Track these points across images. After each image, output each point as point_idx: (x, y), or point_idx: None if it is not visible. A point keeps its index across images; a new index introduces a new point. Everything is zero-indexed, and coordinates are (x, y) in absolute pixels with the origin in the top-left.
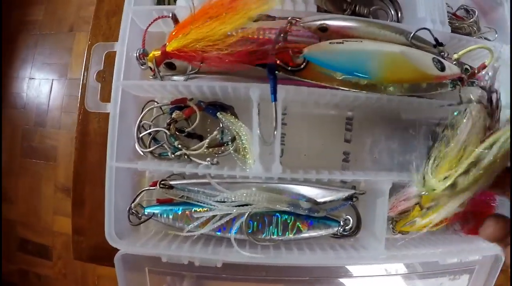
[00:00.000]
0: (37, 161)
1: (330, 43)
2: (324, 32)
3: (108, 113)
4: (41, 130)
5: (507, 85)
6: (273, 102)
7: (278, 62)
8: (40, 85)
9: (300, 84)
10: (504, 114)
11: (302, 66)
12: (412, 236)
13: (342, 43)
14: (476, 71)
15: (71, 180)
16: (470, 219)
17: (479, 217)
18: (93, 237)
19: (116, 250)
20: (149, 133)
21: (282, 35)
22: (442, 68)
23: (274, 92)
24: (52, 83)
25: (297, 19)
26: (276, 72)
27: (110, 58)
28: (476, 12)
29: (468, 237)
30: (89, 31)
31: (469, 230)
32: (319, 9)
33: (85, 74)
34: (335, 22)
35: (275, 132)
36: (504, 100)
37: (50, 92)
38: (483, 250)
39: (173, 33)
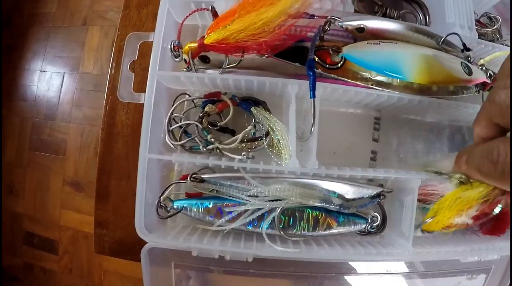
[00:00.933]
0: (46, 154)
1: (367, 43)
2: (360, 33)
3: (137, 104)
4: (51, 123)
5: None
6: (312, 99)
7: (316, 59)
8: (52, 79)
9: (336, 82)
10: None
11: (339, 64)
12: (434, 234)
13: (379, 43)
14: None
15: (80, 174)
16: (489, 219)
17: (498, 217)
18: (117, 231)
19: (140, 243)
20: (180, 126)
21: (321, 33)
22: (470, 73)
23: (313, 89)
24: (63, 77)
25: (336, 18)
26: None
27: (141, 49)
28: (499, 19)
29: (487, 237)
30: (119, 22)
31: (487, 230)
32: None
33: (113, 65)
34: (373, 23)
35: (313, 128)
36: None
37: (61, 85)
38: (501, 249)
39: (213, 25)
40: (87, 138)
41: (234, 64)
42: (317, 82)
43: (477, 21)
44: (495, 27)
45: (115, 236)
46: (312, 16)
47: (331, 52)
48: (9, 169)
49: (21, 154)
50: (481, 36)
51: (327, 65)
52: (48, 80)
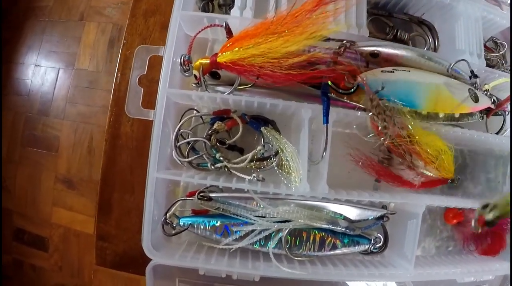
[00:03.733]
0: (38, 150)
1: (382, 71)
2: (374, 58)
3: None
4: (45, 119)
5: None
6: (325, 125)
7: (329, 83)
8: (46, 74)
9: (347, 106)
10: None
11: (352, 89)
12: (432, 255)
13: (393, 71)
14: (503, 103)
15: (73, 172)
16: (485, 240)
17: (493, 238)
18: (120, 244)
19: (143, 257)
20: (188, 143)
21: (336, 57)
22: (476, 100)
23: (326, 114)
24: (58, 72)
25: (352, 43)
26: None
27: (150, 62)
28: (506, 45)
29: (482, 258)
30: (125, 30)
31: (483, 251)
32: None
33: (119, 75)
34: (387, 50)
35: (324, 154)
36: None
37: (56, 81)
38: (496, 270)
39: (228, 45)
40: (80, 136)
41: (248, 86)
42: (330, 108)
43: (483, 46)
44: (500, 53)
45: (118, 250)
46: (328, 40)
47: (346, 79)
48: (0, 164)
49: (13, 149)
50: (486, 61)
51: (340, 90)
52: (42, 75)
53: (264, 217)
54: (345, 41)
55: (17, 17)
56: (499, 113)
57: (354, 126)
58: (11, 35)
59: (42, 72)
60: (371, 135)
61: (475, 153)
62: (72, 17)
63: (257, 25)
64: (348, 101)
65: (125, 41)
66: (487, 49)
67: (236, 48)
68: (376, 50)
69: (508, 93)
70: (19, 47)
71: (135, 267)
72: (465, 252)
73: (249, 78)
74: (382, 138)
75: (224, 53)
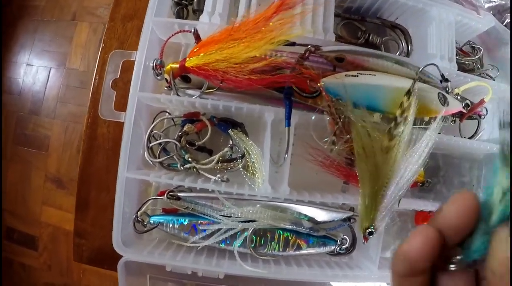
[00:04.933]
0: (29, 149)
1: (346, 75)
2: (340, 62)
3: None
4: (36, 118)
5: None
6: (286, 127)
7: (293, 87)
8: (38, 73)
9: (312, 109)
10: None
11: (316, 93)
12: None
13: (357, 76)
14: (475, 107)
15: (63, 171)
16: None
17: None
18: (95, 241)
19: (118, 254)
20: (159, 144)
21: (300, 61)
22: (446, 103)
23: (288, 117)
24: (50, 72)
25: (316, 47)
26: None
27: (125, 66)
28: (482, 50)
29: None
30: (103, 33)
31: None
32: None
33: (97, 78)
34: (353, 54)
35: (286, 156)
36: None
37: (47, 80)
38: None
39: (195, 50)
40: (70, 135)
41: (213, 90)
42: (293, 110)
43: (460, 50)
44: (476, 57)
45: (93, 246)
46: (293, 44)
47: (308, 84)
48: None
49: (4, 148)
50: (461, 65)
51: (304, 94)
52: (34, 74)
53: (230, 216)
54: (309, 46)
55: (11, 16)
56: (474, 117)
57: (311, 129)
58: (4, 34)
59: (34, 71)
60: (326, 139)
61: (448, 156)
62: (64, 16)
63: (222, 31)
64: (311, 104)
65: (103, 45)
66: (463, 53)
67: (202, 54)
68: (341, 54)
69: (479, 96)
70: (12, 46)
71: (109, 263)
72: None
73: (214, 82)
74: (339, 143)
75: (191, 58)
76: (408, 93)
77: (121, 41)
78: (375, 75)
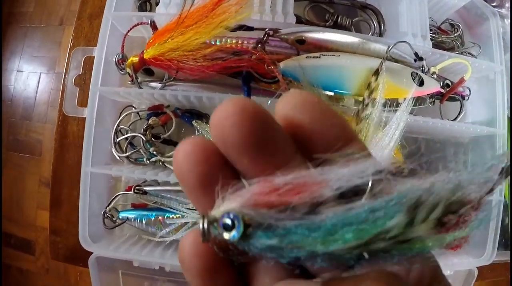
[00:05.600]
0: (22, 155)
1: (307, 57)
2: (302, 45)
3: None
4: (27, 124)
5: (490, 101)
6: None
7: (252, 72)
8: (28, 79)
9: (275, 95)
10: None
11: (276, 78)
12: None
13: (319, 57)
14: (454, 86)
15: None
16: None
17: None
18: (70, 238)
19: (92, 252)
20: (126, 138)
21: (259, 46)
22: (421, 83)
23: None
24: (40, 77)
25: (274, 30)
26: (252, 83)
27: (90, 62)
28: (461, 26)
29: (441, 252)
30: (72, 32)
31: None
32: (300, 20)
33: (66, 76)
34: (313, 35)
35: None
36: (485, 116)
37: (37, 85)
38: (454, 265)
39: (151, 41)
40: None
41: (171, 80)
42: (253, 96)
43: (438, 28)
44: (456, 34)
45: (69, 244)
46: (251, 28)
47: (266, 67)
48: None
49: None
50: (441, 44)
51: (266, 79)
52: (24, 80)
53: (195, 209)
54: (267, 29)
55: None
56: (457, 99)
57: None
58: None
59: (24, 77)
60: None
61: (431, 141)
62: (52, 22)
63: (174, 19)
64: (274, 90)
65: (71, 43)
66: (442, 32)
67: (156, 44)
68: (301, 36)
69: (461, 76)
70: (1, 54)
71: (84, 260)
72: None
73: (171, 72)
74: None
75: (148, 50)
76: (376, 73)
77: (88, 39)
78: (339, 55)
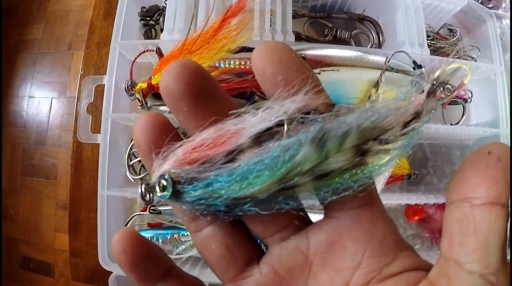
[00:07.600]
0: (38, 179)
1: None
2: None
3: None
4: (41, 148)
5: (492, 103)
6: None
7: (255, 92)
8: (40, 104)
9: None
10: None
11: None
12: None
13: (319, 73)
14: (455, 91)
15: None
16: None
17: None
18: (90, 259)
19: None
20: (139, 161)
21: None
22: (421, 91)
23: None
24: (51, 102)
25: None
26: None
27: (101, 89)
28: (458, 31)
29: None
30: (81, 62)
31: None
32: (300, 36)
33: (78, 103)
34: (312, 51)
35: None
36: (489, 117)
37: (49, 110)
38: None
39: (157, 67)
40: None
41: None
42: None
43: (437, 34)
44: (454, 39)
45: (89, 264)
46: (251, 50)
47: None
48: (2, 195)
49: (14, 179)
50: (440, 49)
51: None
52: (36, 105)
53: None
54: None
55: (9, 52)
56: (459, 102)
57: None
58: (5, 69)
59: (36, 103)
60: None
61: (436, 145)
62: (60, 47)
63: (178, 46)
64: None
65: (81, 72)
66: (441, 37)
67: (162, 70)
68: (302, 53)
69: (460, 81)
70: (13, 80)
71: (105, 280)
72: (435, 249)
73: None
74: None
75: (155, 76)
76: (377, 84)
77: (98, 67)
78: (338, 70)
